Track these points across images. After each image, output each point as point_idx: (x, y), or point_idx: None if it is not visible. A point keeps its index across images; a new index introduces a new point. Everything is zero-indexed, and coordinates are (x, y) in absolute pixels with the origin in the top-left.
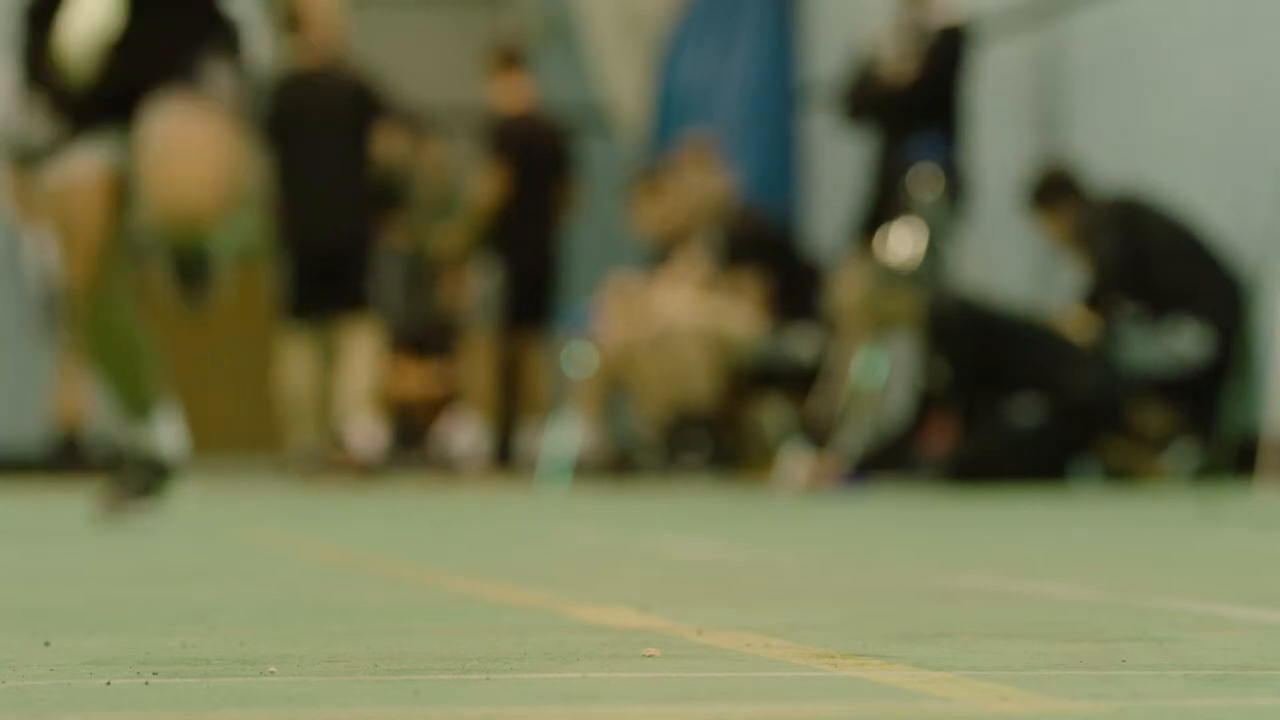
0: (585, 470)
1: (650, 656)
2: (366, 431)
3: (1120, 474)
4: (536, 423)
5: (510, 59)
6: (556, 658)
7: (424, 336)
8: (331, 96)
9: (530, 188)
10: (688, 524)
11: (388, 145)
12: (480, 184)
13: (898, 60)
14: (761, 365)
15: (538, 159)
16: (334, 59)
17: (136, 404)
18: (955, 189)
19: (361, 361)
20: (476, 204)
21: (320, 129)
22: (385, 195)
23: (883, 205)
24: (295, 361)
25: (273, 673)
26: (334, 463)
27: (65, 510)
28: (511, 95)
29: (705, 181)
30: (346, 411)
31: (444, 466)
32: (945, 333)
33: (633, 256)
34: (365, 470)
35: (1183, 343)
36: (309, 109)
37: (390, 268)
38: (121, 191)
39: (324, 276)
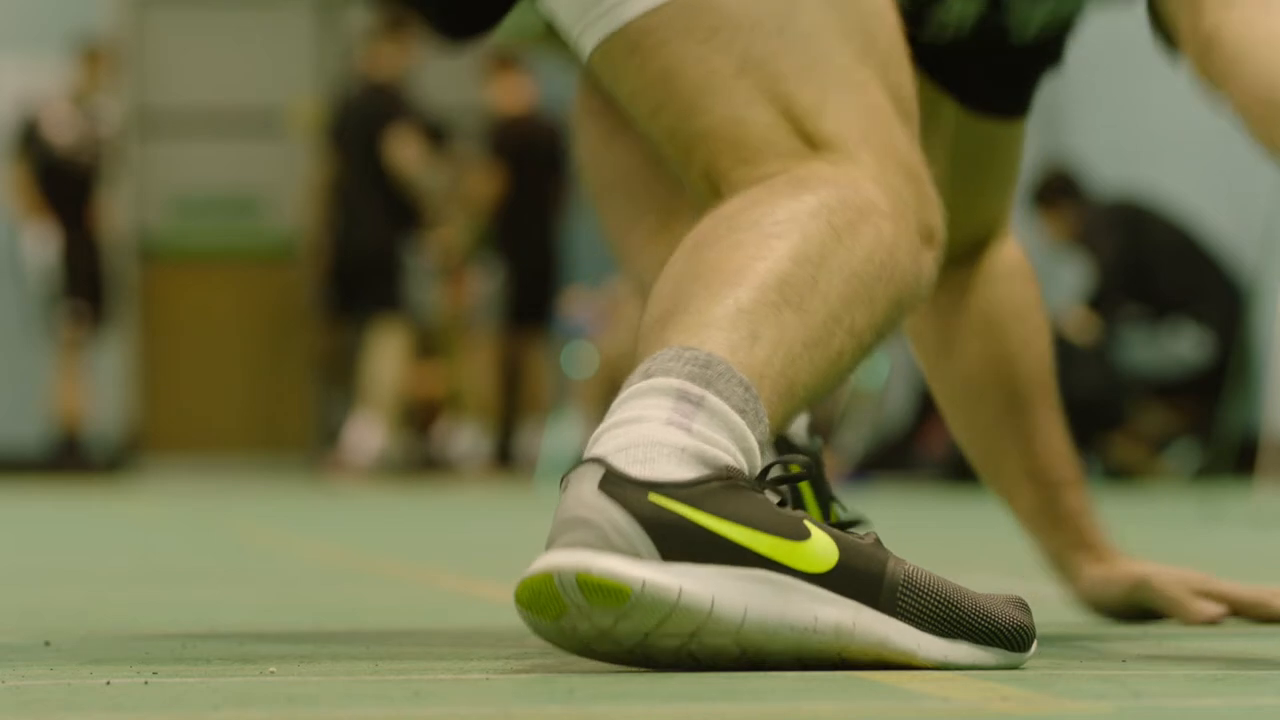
0: None
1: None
2: (363, 434)
3: (1120, 474)
4: (536, 423)
5: (507, 59)
6: (556, 658)
7: (424, 337)
8: (359, 103)
9: (530, 188)
10: None
11: (399, 150)
12: (479, 185)
13: None
14: None
15: (537, 159)
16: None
17: None
18: None
19: (371, 365)
20: (476, 205)
21: (351, 136)
22: (409, 205)
23: None
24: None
25: (273, 673)
26: (331, 463)
27: (65, 510)
28: (510, 96)
29: None
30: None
31: (444, 466)
32: None
33: None
34: (355, 472)
35: (1183, 344)
36: (350, 117)
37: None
38: None
39: (350, 281)
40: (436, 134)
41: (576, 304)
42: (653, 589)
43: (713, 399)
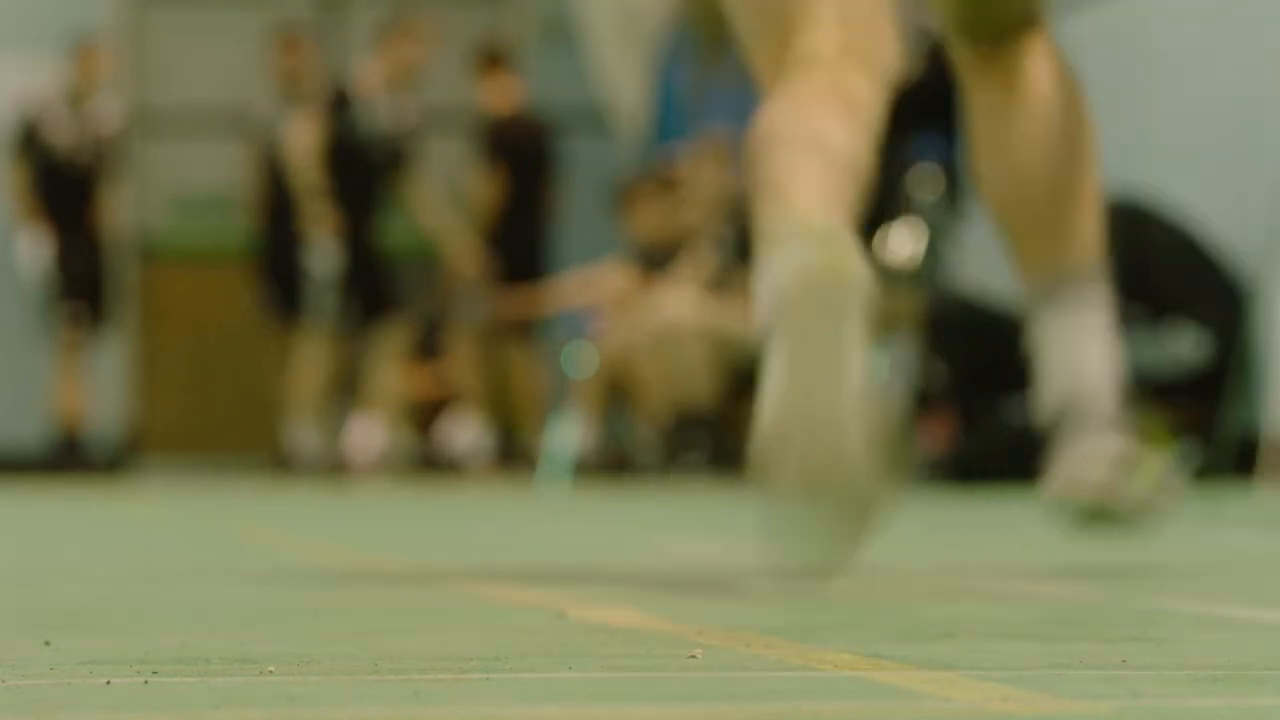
0: (585, 470)
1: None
2: (364, 434)
3: None
4: (535, 423)
5: (495, 59)
6: (556, 658)
7: (424, 336)
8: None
9: (523, 188)
10: (688, 524)
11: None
12: (480, 187)
13: (902, 60)
14: (763, 365)
15: (529, 160)
16: None
17: None
18: (955, 189)
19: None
20: (478, 206)
21: None
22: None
23: (883, 205)
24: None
25: (272, 672)
26: (334, 463)
27: (65, 510)
28: (501, 96)
29: (721, 178)
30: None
31: (446, 466)
32: (945, 333)
33: (631, 257)
34: (360, 472)
35: (1182, 345)
36: None
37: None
38: None
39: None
40: (396, 157)
41: (571, 288)
42: None
43: None
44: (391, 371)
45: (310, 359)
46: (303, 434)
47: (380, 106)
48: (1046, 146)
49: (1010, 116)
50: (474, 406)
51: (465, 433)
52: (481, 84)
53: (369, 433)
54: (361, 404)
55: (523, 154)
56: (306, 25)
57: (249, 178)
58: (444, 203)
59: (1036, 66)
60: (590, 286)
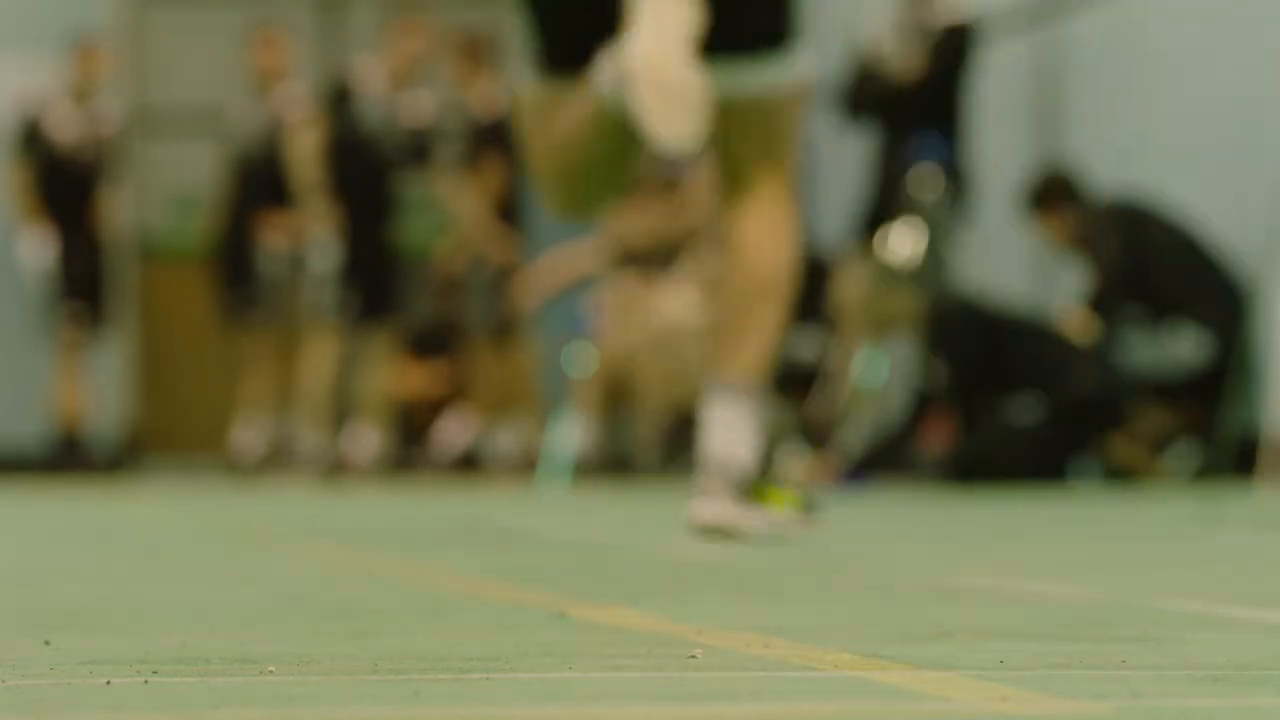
0: (585, 470)
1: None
2: (360, 437)
3: (1120, 474)
4: (527, 414)
5: (475, 56)
6: (556, 658)
7: (424, 336)
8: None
9: (511, 184)
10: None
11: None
12: (483, 184)
13: (902, 59)
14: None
15: (513, 156)
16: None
17: None
18: (956, 189)
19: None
20: (492, 197)
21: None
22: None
23: (883, 205)
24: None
25: (272, 672)
26: (335, 465)
27: (65, 510)
28: (485, 93)
29: None
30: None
31: (456, 465)
32: (945, 333)
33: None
34: (355, 474)
35: (1183, 345)
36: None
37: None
38: None
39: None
40: (419, 152)
41: (545, 270)
42: None
43: None
44: (384, 372)
45: (320, 358)
46: (305, 433)
47: (388, 103)
48: (742, 294)
49: (724, 268)
50: (486, 406)
51: (468, 431)
52: (467, 83)
53: (364, 434)
54: (357, 404)
55: (509, 151)
56: (306, 25)
57: (219, 176)
58: (472, 193)
59: (752, 231)
60: (563, 266)
